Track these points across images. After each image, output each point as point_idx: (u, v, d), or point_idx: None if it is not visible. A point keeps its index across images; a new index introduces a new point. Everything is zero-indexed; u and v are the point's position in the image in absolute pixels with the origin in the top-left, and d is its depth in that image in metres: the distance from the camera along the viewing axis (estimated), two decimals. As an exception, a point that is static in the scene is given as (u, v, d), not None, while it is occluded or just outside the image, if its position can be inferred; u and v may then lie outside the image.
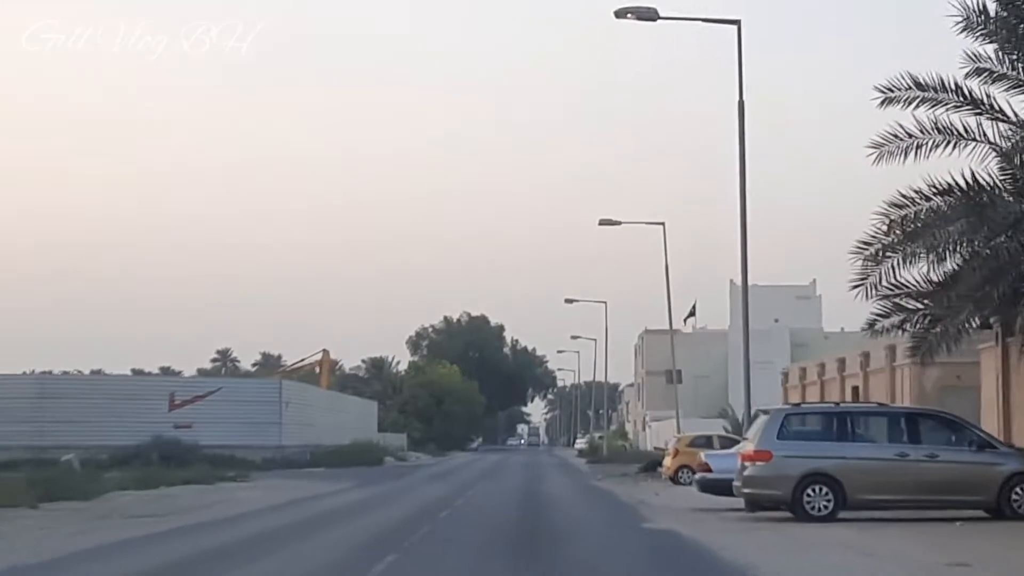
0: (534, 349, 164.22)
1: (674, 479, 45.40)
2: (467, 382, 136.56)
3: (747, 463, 25.94)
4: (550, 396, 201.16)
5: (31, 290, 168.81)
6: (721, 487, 29.56)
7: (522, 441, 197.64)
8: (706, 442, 46.07)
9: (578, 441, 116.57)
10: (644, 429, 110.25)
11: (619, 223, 53.45)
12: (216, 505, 33.89)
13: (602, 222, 53.30)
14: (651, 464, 53.15)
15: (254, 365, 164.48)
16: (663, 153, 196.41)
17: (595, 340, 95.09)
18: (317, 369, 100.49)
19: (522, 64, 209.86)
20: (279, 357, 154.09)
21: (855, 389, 43.19)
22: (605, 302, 77.57)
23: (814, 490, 25.11)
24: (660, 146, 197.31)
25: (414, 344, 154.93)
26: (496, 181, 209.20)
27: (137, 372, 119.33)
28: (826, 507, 25.07)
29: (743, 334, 33.74)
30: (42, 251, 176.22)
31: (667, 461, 46.57)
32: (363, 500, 36.88)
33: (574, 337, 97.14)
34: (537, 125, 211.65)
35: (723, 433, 51.62)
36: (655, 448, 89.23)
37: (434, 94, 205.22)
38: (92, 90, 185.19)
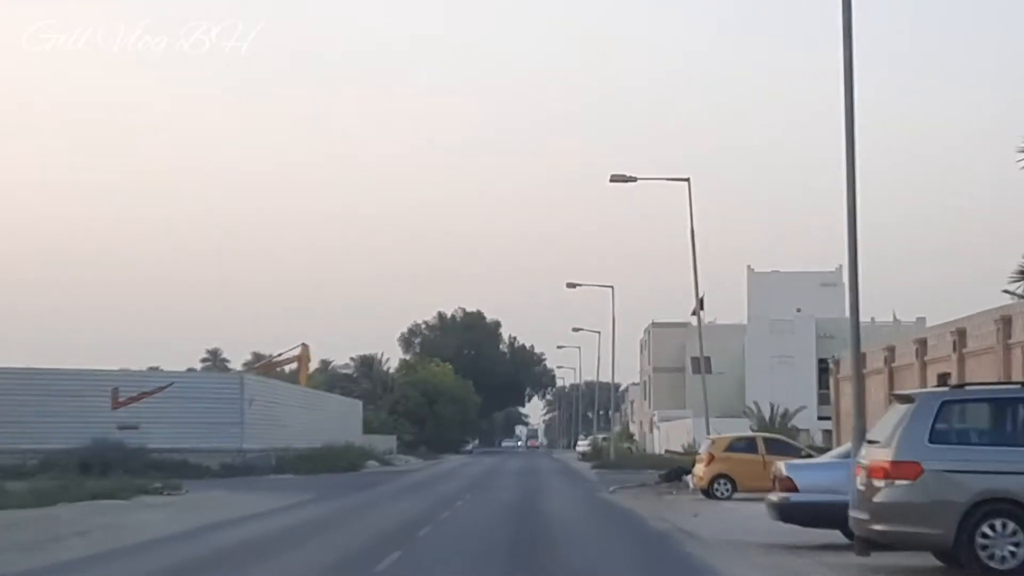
0: (532, 347, 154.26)
1: (708, 492, 35.43)
2: (461, 381, 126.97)
3: (879, 481, 15.69)
4: (549, 397, 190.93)
5: (20, 291, 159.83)
6: (811, 514, 19.60)
7: (519, 443, 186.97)
8: (747, 445, 36.12)
9: (580, 443, 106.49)
10: (651, 431, 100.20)
11: (635, 179, 43.40)
12: (91, 533, 24.03)
13: (614, 178, 43.26)
14: (675, 472, 43.16)
15: (244, 365, 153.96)
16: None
17: (599, 333, 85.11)
18: (296, 365, 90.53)
19: (523, 65, 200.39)
20: (270, 357, 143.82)
21: (942, 376, 33.16)
22: (611, 286, 67.53)
23: (994, 527, 15.09)
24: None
25: (406, 341, 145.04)
26: (493, 174, 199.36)
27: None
28: (1013, 554, 15.07)
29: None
30: (40, 252, 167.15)
31: (699, 469, 36.54)
32: (303, 524, 26.89)
33: (576, 329, 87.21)
34: (536, 123, 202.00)
35: (769, 435, 41.59)
36: (667, 452, 79.16)
37: (433, 94, 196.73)
38: (92, 89, 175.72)
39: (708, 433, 41.83)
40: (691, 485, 39.41)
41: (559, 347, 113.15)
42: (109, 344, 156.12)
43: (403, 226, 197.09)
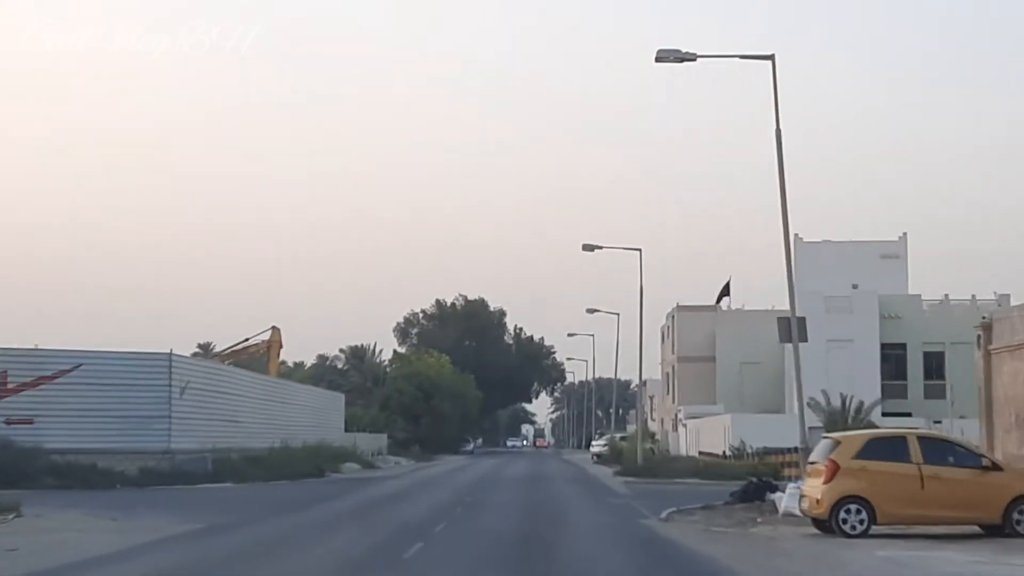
0: (541, 338, 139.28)
1: (828, 523, 21.49)
2: (461, 375, 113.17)
3: None
4: (557, 394, 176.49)
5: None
6: None
7: (524, 443, 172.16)
8: (893, 449, 21.96)
9: (595, 443, 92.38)
10: (675, 429, 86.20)
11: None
12: None
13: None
14: (754, 489, 29.00)
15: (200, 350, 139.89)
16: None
17: (618, 314, 71.03)
18: (272, 351, 76.60)
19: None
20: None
21: None
22: (640, 249, 53.20)
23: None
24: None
25: (402, 332, 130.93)
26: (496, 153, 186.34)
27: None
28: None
29: None
30: (39, 259, 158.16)
31: (812, 486, 22.46)
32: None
33: (591, 311, 73.10)
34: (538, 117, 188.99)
35: (926, 432, 27.73)
36: (701, 454, 65.14)
37: (434, 91, 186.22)
38: (91, 88, 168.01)
39: (805, 430, 28.06)
40: (781, 508, 25.63)
41: (570, 335, 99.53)
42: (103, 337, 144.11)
43: (402, 211, 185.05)
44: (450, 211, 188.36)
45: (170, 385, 45.72)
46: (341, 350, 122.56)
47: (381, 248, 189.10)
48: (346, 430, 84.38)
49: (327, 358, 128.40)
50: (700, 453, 62.54)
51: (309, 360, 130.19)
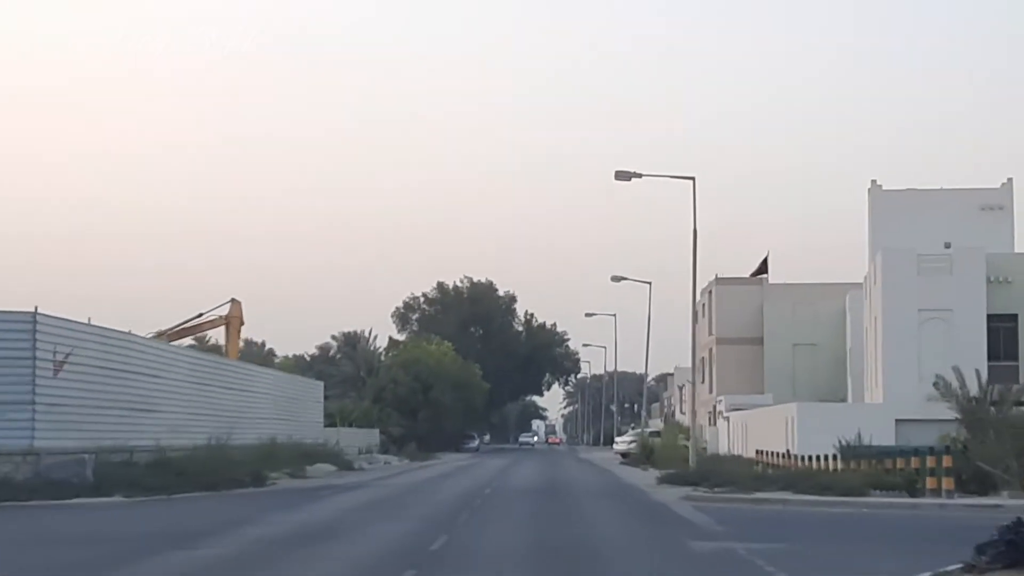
0: (554, 325, 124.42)
1: None
2: (465, 364, 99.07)
3: None
4: (569, 387, 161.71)
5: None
6: None
7: (535, 438, 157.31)
8: None
9: (619, 440, 78.05)
10: (713, 423, 71.72)
11: None
12: None
13: None
14: None
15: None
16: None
17: (649, 283, 56.63)
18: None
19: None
20: (263, 344, 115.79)
21: None
22: (692, 177, 38.17)
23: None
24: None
25: (402, 317, 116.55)
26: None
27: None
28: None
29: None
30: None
31: None
32: None
33: (616, 278, 58.66)
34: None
35: None
36: (759, 453, 50.37)
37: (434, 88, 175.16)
38: (92, 87, 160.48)
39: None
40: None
41: (588, 314, 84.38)
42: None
43: (405, 192, 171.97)
44: (458, 192, 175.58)
45: (34, 359, 31.56)
46: (333, 336, 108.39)
47: (381, 234, 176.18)
48: (333, 425, 71.27)
49: (329, 346, 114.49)
50: (757, 452, 47.92)
51: (306, 351, 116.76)
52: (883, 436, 40.88)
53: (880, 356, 50.39)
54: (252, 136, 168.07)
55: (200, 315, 60.41)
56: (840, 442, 34.44)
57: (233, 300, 60.60)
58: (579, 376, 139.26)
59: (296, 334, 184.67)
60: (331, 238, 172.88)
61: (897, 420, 45.48)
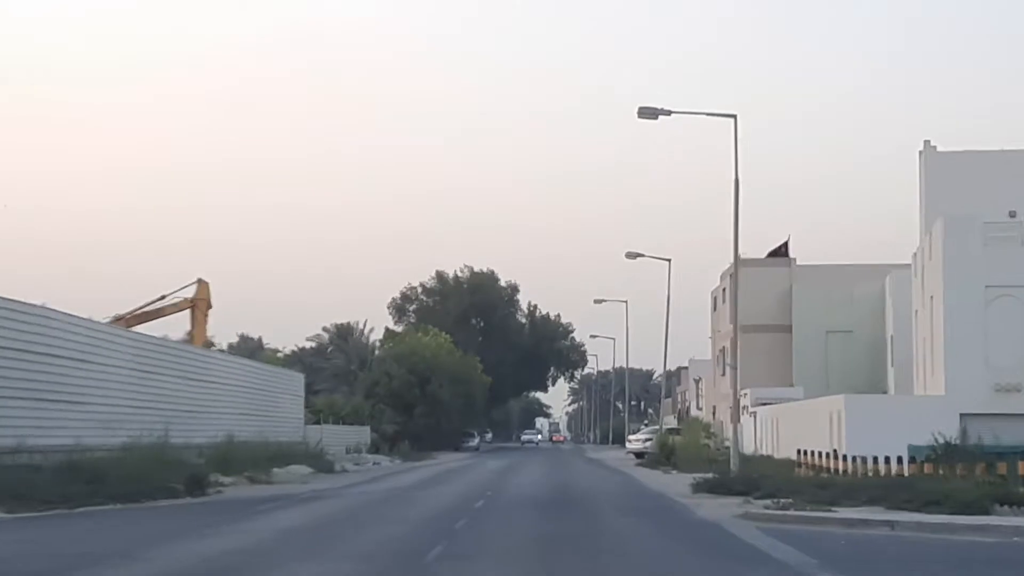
0: (558, 316, 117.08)
1: None
2: (465, 357, 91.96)
3: None
4: (574, 384, 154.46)
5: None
6: None
7: (538, 436, 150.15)
8: None
9: (633, 438, 70.87)
10: (737, 419, 64.10)
11: None
12: None
13: None
14: None
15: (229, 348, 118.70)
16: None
17: (669, 260, 49.41)
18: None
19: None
20: (259, 339, 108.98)
21: None
22: (734, 115, 30.81)
23: None
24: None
25: (398, 308, 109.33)
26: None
27: None
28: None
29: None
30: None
31: None
32: None
33: (632, 255, 51.53)
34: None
35: None
36: (801, 453, 43.03)
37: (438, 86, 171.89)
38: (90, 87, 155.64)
39: None
40: None
41: (597, 300, 76.98)
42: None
43: (408, 180, 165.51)
44: (458, 179, 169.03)
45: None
46: (325, 328, 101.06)
47: (383, 227, 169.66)
48: (318, 421, 64.49)
49: (321, 342, 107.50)
50: (799, 452, 40.62)
51: (301, 344, 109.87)
52: (945, 433, 34.07)
53: (939, 341, 42.96)
54: (251, 130, 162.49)
55: (163, 297, 53.13)
56: (936, 439, 27.05)
57: (200, 281, 53.41)
58: (585, 371, 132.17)
59: (293, 329, 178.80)
60: (329, 230, 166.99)
61: (962, 414, 38.35)
